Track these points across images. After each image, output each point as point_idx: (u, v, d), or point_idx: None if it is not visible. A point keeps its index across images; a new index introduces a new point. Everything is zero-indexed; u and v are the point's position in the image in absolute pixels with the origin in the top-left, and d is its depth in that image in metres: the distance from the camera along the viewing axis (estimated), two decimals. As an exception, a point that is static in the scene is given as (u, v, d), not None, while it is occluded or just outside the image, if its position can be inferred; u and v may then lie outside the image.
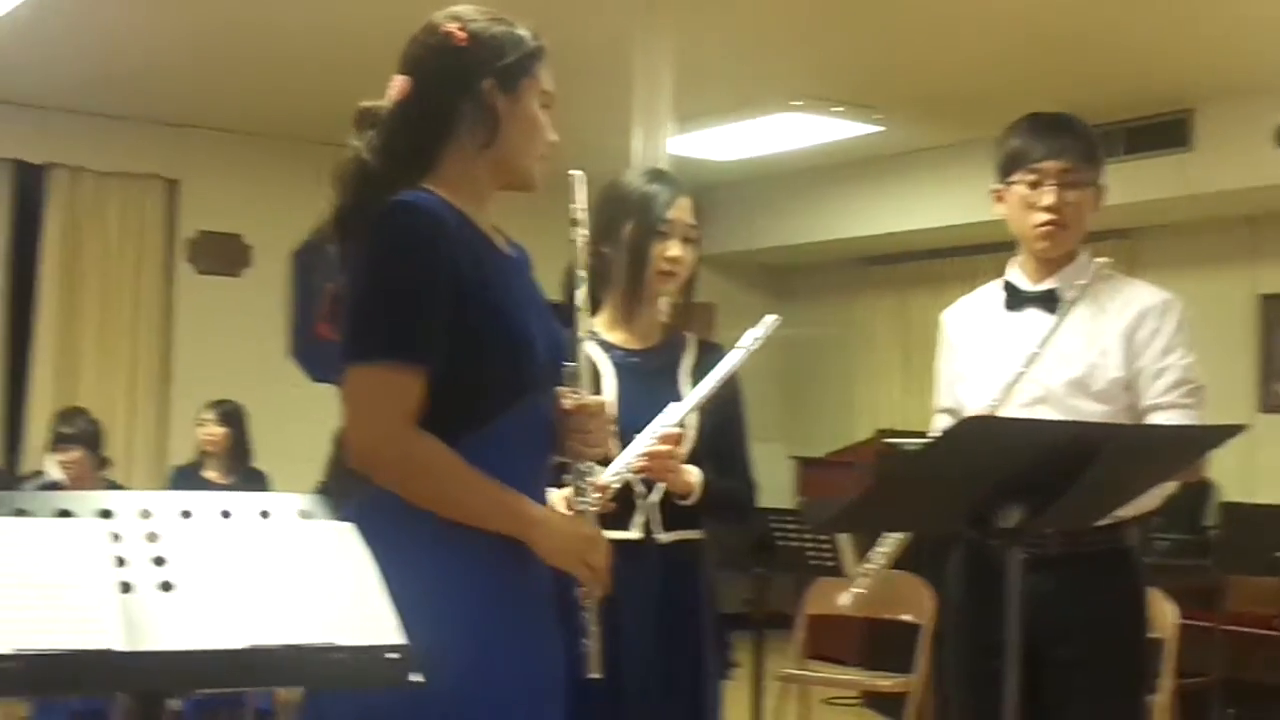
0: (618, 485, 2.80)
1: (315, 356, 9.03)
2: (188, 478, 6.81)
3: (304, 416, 7.81)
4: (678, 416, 2.90)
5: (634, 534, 2.94)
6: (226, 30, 6.80)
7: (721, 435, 3.04)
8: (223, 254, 9.03)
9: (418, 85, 2.28)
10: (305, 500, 1.92)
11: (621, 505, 2.88)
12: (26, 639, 1.53)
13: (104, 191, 8.78)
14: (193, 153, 8.82)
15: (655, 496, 2.95)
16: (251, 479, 6.71)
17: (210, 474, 6.72)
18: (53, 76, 7.70)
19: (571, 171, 2.46)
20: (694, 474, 2.94)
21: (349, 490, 2.15)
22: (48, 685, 1.53)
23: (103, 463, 6.67)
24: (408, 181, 2.22)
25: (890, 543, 3.26)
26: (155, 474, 8.46)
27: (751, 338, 2.99)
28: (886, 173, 9.12)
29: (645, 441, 2.86)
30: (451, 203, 2.22)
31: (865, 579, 3.31)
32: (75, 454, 6.42)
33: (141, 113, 8.48)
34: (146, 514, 1.75)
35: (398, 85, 2.29)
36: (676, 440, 2.89)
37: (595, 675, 2.36)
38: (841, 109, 7.76)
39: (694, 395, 2.94)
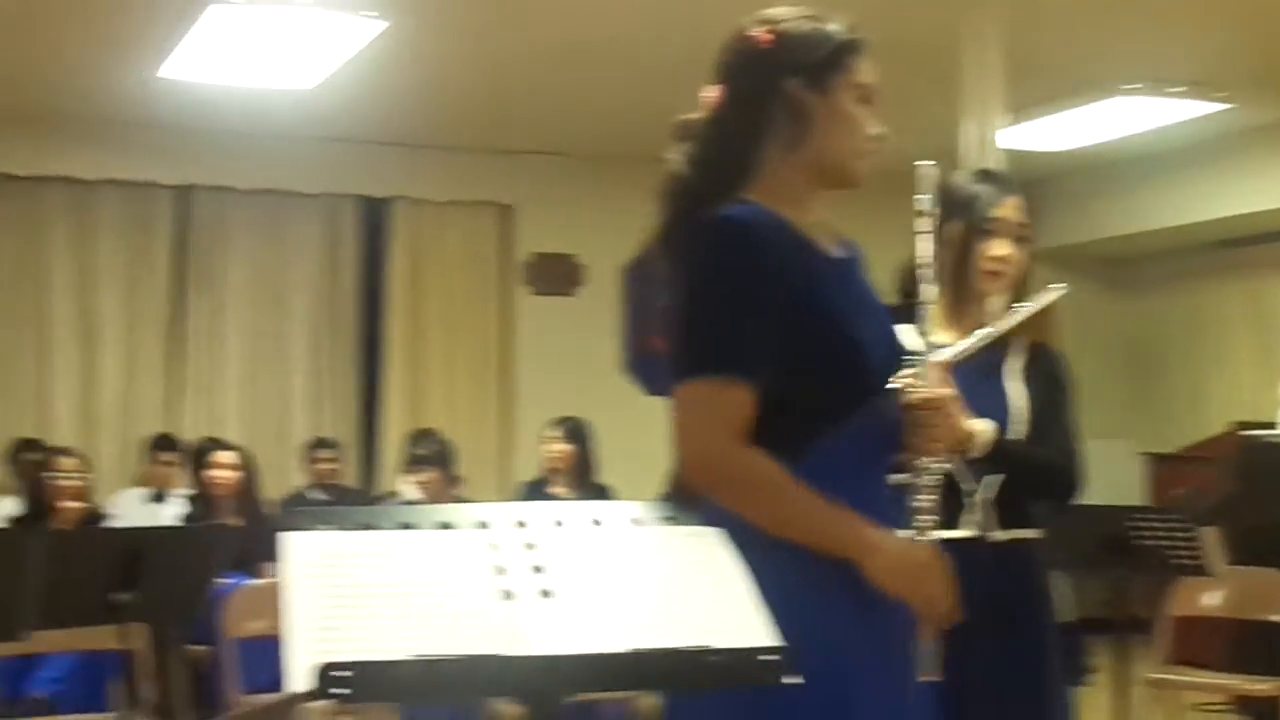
0: None
1: (649, 370, 9.24)
2: (535, 494, 6.98)
3: (644, 431, 7.90)
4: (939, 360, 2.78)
5: (965, 532, 2.85)
6: (556, 58, 6.98)
7: (1042, 413, 2.93)
8: (557, 274, 9.27)
9: (729, 93, 2.26)
10: (671, 507, 1.94)
11: (953, 502, 2.80)
12: (420, 645, 1.59)
13: (443, 220, 9.14)
14: (525, 178, 9.09)
15: (989, 493, 2.86)
16: (596, 494, 6.84)
17: (557, 490, 6.88)
18: (394, 114, 8.06)
19: (919, 163, 2.41)
20: (978, 424, 2.78)
21: (689, 502, 2.14)
22: (441, 689, 1.58)
23: (455, 481, 6.91)
24: (726, 192, 2.20)
25: None
26: (502, 492, 8.72)
27: (1034, 302, 2.89)
28: (1234, 152, 8.69)
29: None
30: (772, 209, 2.19)
31: None
32: (429, 474, 6.68)
33: (476, 143, 8.79)
34: (522, 524, 1.80)
35: (711, 95, 2.28)
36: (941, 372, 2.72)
37: (932, 678, 2.28)
38: (1182, 89, 7.44)
39: (959, 346, 2.83)
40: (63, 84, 7.47)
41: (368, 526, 1.71)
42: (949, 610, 2.18)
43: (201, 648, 6.30)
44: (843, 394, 2.17)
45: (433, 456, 6.78)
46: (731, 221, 2.15)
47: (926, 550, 2.21)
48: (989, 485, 2.86)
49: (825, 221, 2.29)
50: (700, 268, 2.16)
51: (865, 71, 2.27)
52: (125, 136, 8.23)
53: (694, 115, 2.30)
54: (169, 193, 8.67)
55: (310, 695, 1.40)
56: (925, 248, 2.40)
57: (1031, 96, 7.20)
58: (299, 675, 1.49)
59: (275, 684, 5.59)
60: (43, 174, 8.35)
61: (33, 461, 7.04)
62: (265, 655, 5.83)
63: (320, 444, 8.20)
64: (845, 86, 2.25)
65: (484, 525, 1.77)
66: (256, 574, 6.45)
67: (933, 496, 2.30)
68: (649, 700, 5.36)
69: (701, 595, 1.79)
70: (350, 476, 8.59)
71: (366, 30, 6.34)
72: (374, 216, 9.14)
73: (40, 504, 6.45)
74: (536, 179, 9.09)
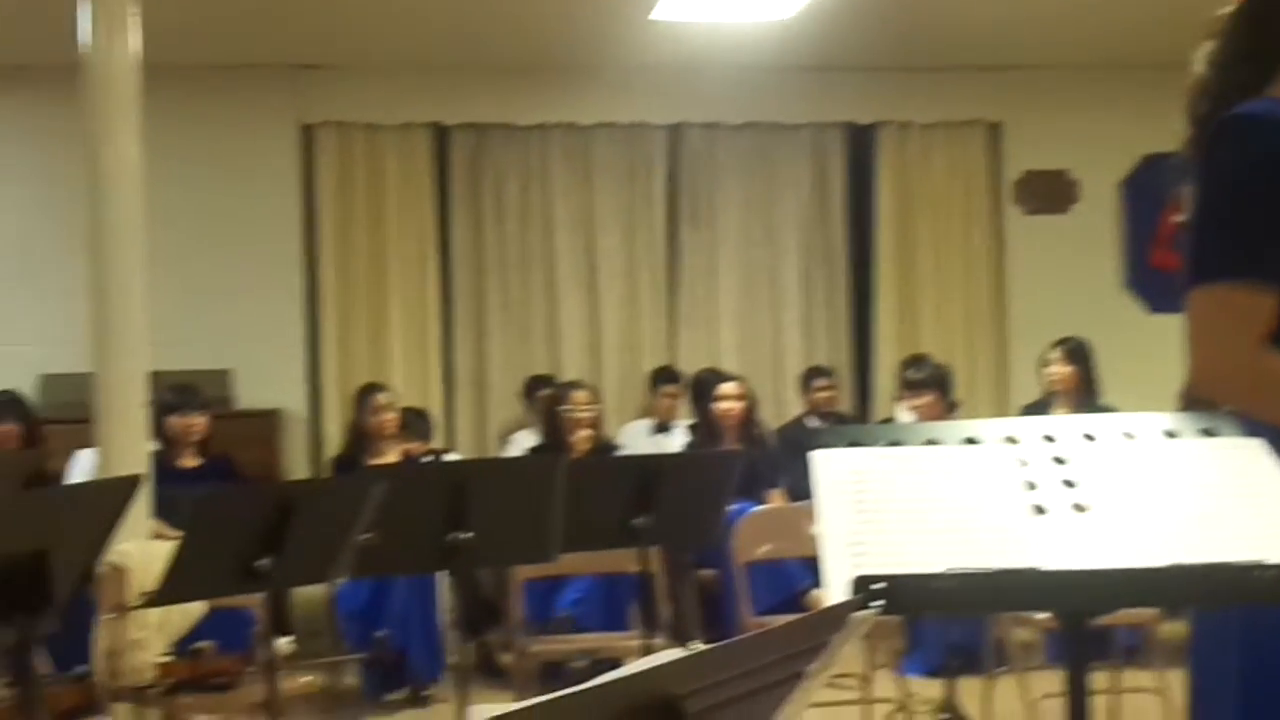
0: None
1: (1151, 287, 8.85)
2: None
3: (1143, 349, 7.67)
4: None
5: None
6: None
7: None
8: (1049, 192, 9.00)
9: None
10: (1208, 419, 1.85)
11: None
12: (950, 559, 1.58)
13: (930, 142, 9.03)
14: (1014, 93, 8.84)
15: None
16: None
17: (1058, 411, 6.71)
18: (875, 37, 7.99)
19: None
20: None
21: (1211, 414, 2.02)
22: (974, 602, 1.57)
23: (952, 406, 6.85)
24: (1250, 90, 2.07)
25: None
26: (999, 415, 8.57)
27: None
28: None
29: None
30: None
31: None
32: (926, 398, 6.65)
33: (961, 61, 8.61)
34: (1050, 438, 1.75)
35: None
36: None
37: None
38: None
39: None
40: (562, 34, 7.81)
41: (895, 443, 1.71)
42: None
43: (709, 571, 6.53)
44: None
45: (928, 381, 6.75)
46: (1248, 118, 2.03)
47: None
48: None
49: None
50: (1215, 168, 2.05)
51: None
52: (619, 80, 8.52)
53: (1224, 10, 2.17)
54: (661, 132, 8.93)
55: (847, 607, 1.41)
56: None
57: None
58: (835, 588, 1.51)
59: (782, 605, 5.73)
60: (544, 122, 8.77)
61: (547, 396, 7.45)
62: (772, 578, 6.00)
63: (816, 372, 8.29)
64: None
65: (1012, 440, 1.74)
66: (761, 500, 6.62)
67: None
68: (1170, 626, 5.17)
69: (1246, 509, 1.71)
70: (846, 404, 8.66)
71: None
72: (860, 143, 9.13)
73: (557, 435, 6.83)
74: (1025, 94, 8.82)
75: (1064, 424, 1.78)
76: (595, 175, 8.90)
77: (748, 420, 7.12)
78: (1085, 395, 6.68)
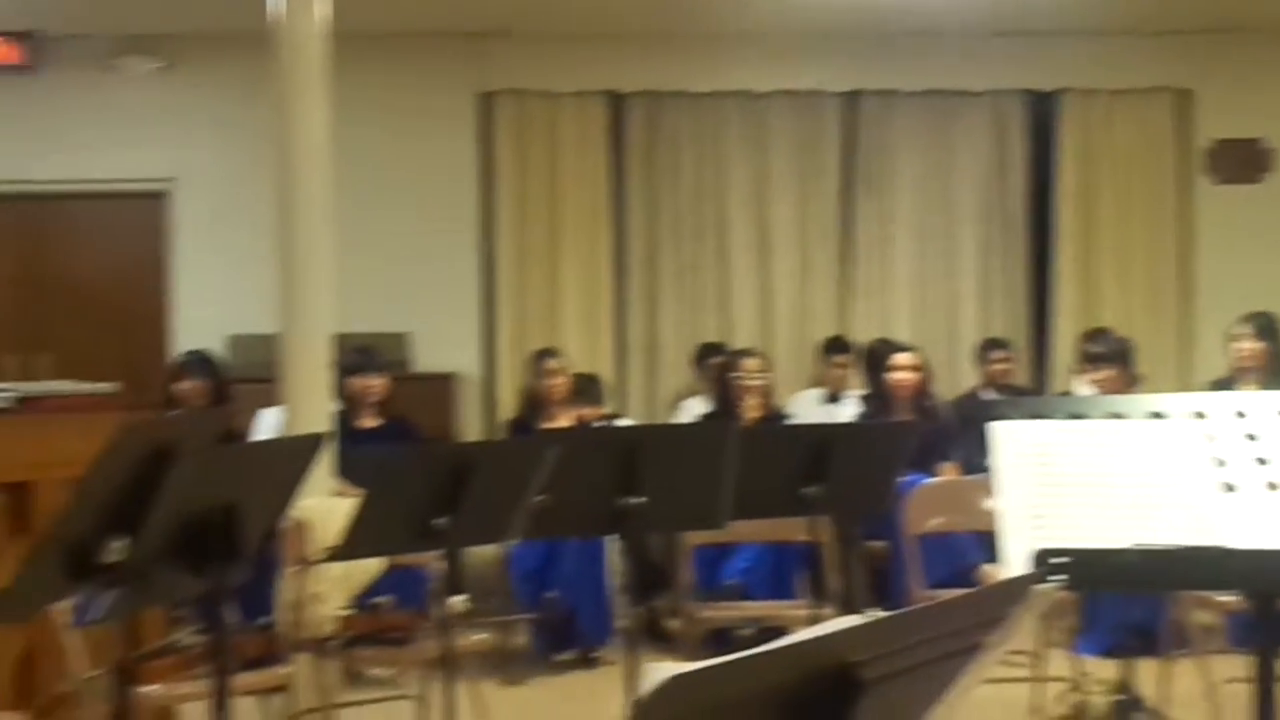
0: None
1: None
2: (1220, 393, 6.65)
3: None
4: None
5: None
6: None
7: None
8: (1242, 160, 8.74)
9: None
10: None
11: None
12: (1133, 534, 1.55)
13: (1115, 109, 8.82)
14: (1206, 60, 8.59)
15: None
16: (1289, 392, 6.42)
17: (1246, 389, 6.52)
18: (1058, 1, 7.81)
19: None
20: None
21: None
22: (1159, 579, 1.54)
23: (1134, 381, 6.69)
24: None
25: None
26: (1182, 391, 8.35)
27: None
28: None
29: None
30: None
31: None
32: (1106, 372, 6.50)
33: (1149, 25, 8.39)
34: (1241, 415, 1.71)
35: None
36: None
37: None
38: None
39: None
40: (738, 1, 7.78)
41: (1076, 415, 1.68)
42: None
43: (879, 543, 6.49)
44: None
45: (1110, 354, 6.60)
46: None
47: None
48: None
49: None
50: None
51: None
52: (794, 47, 8.48)
53: None
54: (837, 99, 8.85)
55: (1028, 580, 1.39)
56: None
57: None
58: (1014, 561, 1.49)
59: (951, 580, 5.66)
60: (718, 89, 8.75)
61: (718, 363, 7.45)
62: (942, 551, 5.94)
63: (993, 344, 8.17)
64: None
65: (1200, 416, 1.70)
66: (933, 472, 6.55)
67: None
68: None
69: None
70: (1022, 377, 8.52)
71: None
72: (1042, 110, 8.95)
73: (727, 402, 6.83)
74: (1218, 59, 8.57)
75: (1256, 400, 1.73)
76: (770, 143, 8.87)
77: (921, 391, 7.04)
78: (1275, 372, 6.47)
